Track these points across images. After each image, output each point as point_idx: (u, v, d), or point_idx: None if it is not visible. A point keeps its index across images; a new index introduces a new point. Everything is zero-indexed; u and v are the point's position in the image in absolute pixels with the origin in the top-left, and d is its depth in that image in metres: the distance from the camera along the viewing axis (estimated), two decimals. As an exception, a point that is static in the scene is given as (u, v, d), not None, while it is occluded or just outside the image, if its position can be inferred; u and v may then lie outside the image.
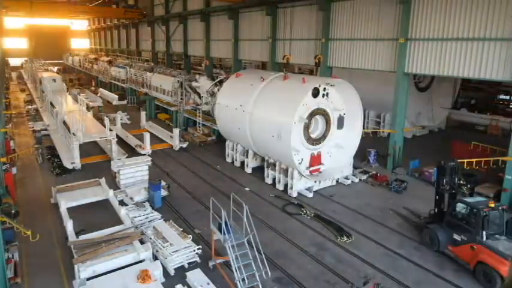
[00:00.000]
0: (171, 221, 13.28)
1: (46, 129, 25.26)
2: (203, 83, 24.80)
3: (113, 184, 16.91)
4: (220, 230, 10.42)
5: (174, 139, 23.23)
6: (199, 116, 24.75)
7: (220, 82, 22.72)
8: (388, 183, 17.76)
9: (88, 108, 28.44)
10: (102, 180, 16.38)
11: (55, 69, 52.85)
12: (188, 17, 38.33)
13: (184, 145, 23.28)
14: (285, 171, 16.96)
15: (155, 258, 11.44)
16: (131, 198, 15.33)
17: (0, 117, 19.06)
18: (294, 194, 16.60)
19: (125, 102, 34.96)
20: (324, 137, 17.39)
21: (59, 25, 78.94)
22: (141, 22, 50.91)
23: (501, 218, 11.40)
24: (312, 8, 23.90)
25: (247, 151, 19.37)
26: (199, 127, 25.48)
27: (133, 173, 17.11)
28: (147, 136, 21.92)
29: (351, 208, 15.62)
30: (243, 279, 9.66)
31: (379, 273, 11.28)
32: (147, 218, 13.67)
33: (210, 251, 11.65)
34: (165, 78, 29.22)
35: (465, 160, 18.85)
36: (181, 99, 26.45)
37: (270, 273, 10.22)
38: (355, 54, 21.50)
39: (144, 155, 20.34)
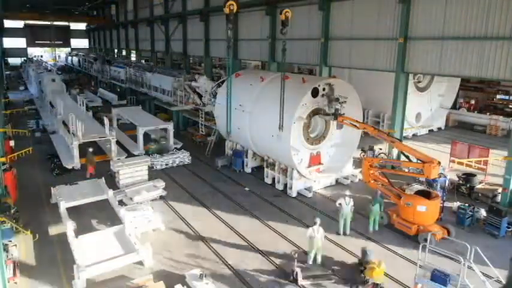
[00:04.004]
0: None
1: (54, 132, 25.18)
2: (202, 83, 24.76)
3: (113, 184, 16.92)
4: None
5: (168, 139, 22.96)
6: (201, 117, 24.59)
7: (223, 82, 22.66)
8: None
9: (87, 108, 28.44)
10: (102, 180, 16.38)
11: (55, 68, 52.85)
12: (188, 16, 38.32)
13: (179, 146, 23.06)
14: (285, 171, 16.97)
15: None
16: (131, 199, 15.34)
17: (0, 117, 19.06)
18: (294, 194, 16.60)
19: (124, 102, 34.95)
20: (323, 136, 17.41)
21: (58, 25, 78.82)
22: (141, 22, 50.84)
23: None
24: (311, 8, 23.89)
25: (247, 151, 19.37)
26: (201, 127, 25.25)
27: (133, 172, 17.11)
28: (140, 136, 21.60)
29: (351, 208, 15.62)
30: None
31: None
32: (146, 217, 13.66)
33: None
34: (165, 78, 29.21)
35: (464, 160, 18.96)
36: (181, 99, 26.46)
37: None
38: (354, 54, 21.51)
39: (138, 155, 20.33)
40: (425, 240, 12.18)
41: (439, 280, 8.87)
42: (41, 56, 75.65)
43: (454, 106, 30.55)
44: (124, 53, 60.47)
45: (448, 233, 13.02)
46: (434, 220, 13.30)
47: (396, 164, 17.02)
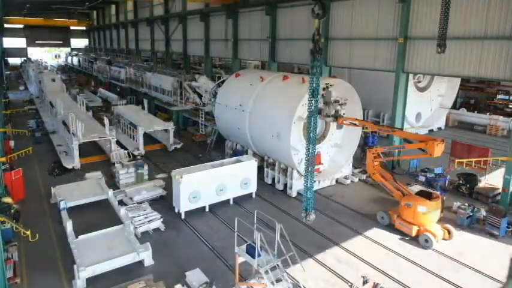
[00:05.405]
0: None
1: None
2: (202, 83, 24.75)
3: (113, 184, 16.91)
4: (249, 252, 9.41)
5: (168, 139, 22.99)
6: (201, 116, 24.59)
7: (223, 82, 22.61)
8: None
9: (87, 108, 28.45)
10: (102, 180, 16.37)
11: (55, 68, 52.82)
12: (188, 16, 38.32)
13: (179, 146, 22.97)
14: (285, 171, 16.96)
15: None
16: (131, 198, 15.34)
17: (0, 117, 19.05)
18: (294, 194, 16.61)
19: (124, 102, 34.91)
20: (323, 136, 17.41)
21: (58, 25, 78.76)
22: (141, 22, 50.84)
23: None
24: (310, 8, 23.84)
25: (247, 151, 19.37)
26: (201, 127, 25.21)
27: (133, 172, 17.10)
28: (140, 136, 21.43)
29: (351, 208, 15.64)
30: None
31: (379, 273, 11.29)
32: (146, 217, 13.67)
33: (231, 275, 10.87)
34: (165, 78, 29.18)
35: (464, 160, 18.94)
36: (181, 98, 26.46)
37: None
38: (354, 54, 21.50)
39: (137, 155, 20.32)
40: (426, 241, 12.44)
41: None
42: (41, 59, 75.52)
43: (454, 106, 30.54)
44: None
45: (449, 233, 13.10)
46: (435, 221, 13.29)
47: (400, 148, 16.44)
